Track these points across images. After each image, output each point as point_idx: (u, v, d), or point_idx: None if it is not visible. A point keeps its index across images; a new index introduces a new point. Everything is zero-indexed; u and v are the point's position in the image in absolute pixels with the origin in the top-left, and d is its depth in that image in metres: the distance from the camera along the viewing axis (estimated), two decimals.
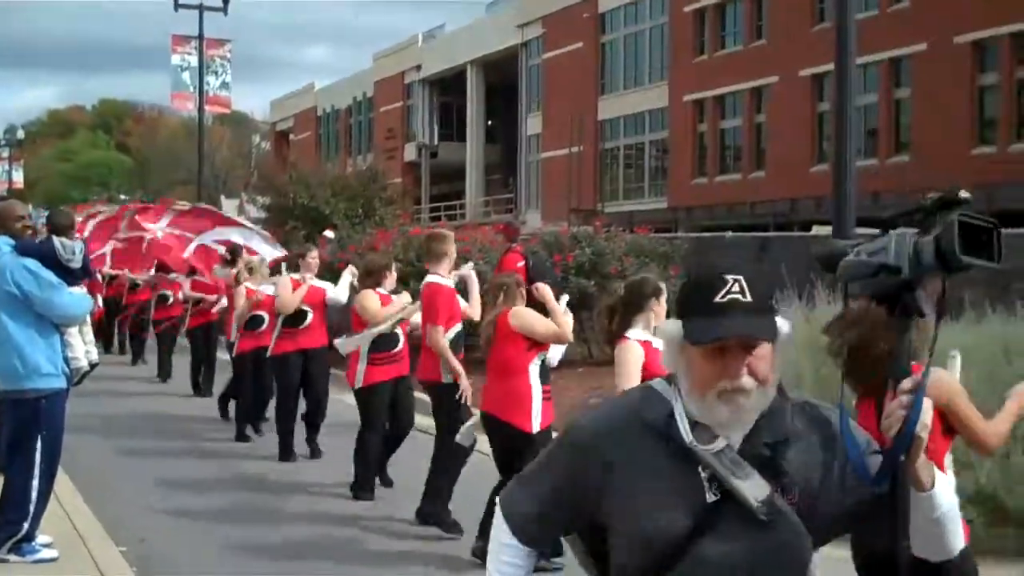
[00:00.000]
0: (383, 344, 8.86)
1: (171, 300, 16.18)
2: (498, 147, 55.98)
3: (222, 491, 9.20)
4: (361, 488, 8.88)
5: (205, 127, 40.59)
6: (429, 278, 8.11)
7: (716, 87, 38.82)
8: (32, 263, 6.52)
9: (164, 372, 16.54)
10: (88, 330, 7.39)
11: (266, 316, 11.41)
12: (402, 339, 9.00)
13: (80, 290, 6.99)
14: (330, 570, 7.02)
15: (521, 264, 13.89)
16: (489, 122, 56.04)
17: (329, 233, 19.60)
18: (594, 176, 44.81)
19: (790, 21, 35.10)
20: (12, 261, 6.51)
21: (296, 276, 10.56)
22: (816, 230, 18.79)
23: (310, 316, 10.46)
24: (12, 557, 6.50)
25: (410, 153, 59.33)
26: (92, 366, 7.40)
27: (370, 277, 9.22)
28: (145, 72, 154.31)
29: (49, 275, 6.53)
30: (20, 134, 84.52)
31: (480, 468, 7.86)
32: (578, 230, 18.27)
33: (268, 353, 10.80)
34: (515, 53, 51.08)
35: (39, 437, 6.53)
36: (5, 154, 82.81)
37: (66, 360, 6.74)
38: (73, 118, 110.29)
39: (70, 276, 6.70)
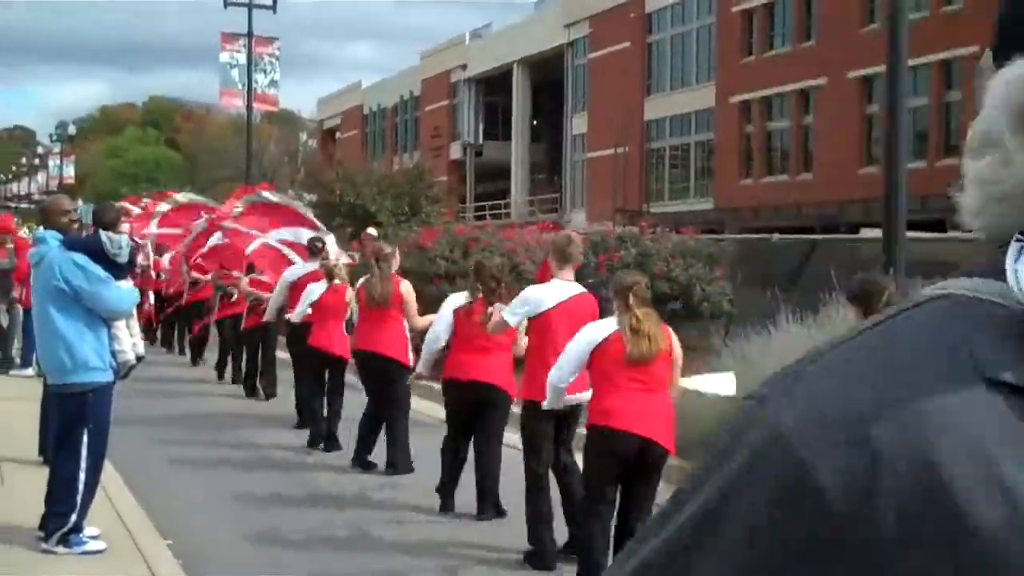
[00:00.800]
0: None
1: (235, 296, 15.12)
2: (543, 146, 55.95)
3: (270, 489, 9.20)
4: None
5: (253, 125, 40.85)
6: (578, 287, 7.25)
7: (764, 88, 38.55)
8: (80, 257, 6.56)
9: (220, 369, 16.36)
10: (135, 323, 7.44)
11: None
12: None
13: (127, 284, 7.04)
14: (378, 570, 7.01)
15: None
16: (535, 121, 56.01)
17: (372, 231, 19.66)
18: (640, 176, 44.65)
19: (839, 22, 34.79)
20: (60, 255, 6.56)
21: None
22: (865, 233, 18.60)
23: None
24: (60, 549, 6.55)
25: (455, 152, 59.43)
26: (139, 359, 7.44)
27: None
28: (194, 70, 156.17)
29: (97, 269, 6.57)
30: (72, 130, 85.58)
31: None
32: (624, 230, 18.18)
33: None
34: (561, 53, 51.00)
35: (85, 430, 6.58)
36: (57, 149, 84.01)
37: (113, 354, 6.79)
38: (123, 115, 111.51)
39: (117, 270, 6.75)
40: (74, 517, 6.58)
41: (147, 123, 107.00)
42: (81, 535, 6.66)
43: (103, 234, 6.74)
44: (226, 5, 34.99)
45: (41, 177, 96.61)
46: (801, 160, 37.58)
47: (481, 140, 58.69)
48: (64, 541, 6.58)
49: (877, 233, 12.48)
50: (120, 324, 6.97)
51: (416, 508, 8.48)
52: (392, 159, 51.30)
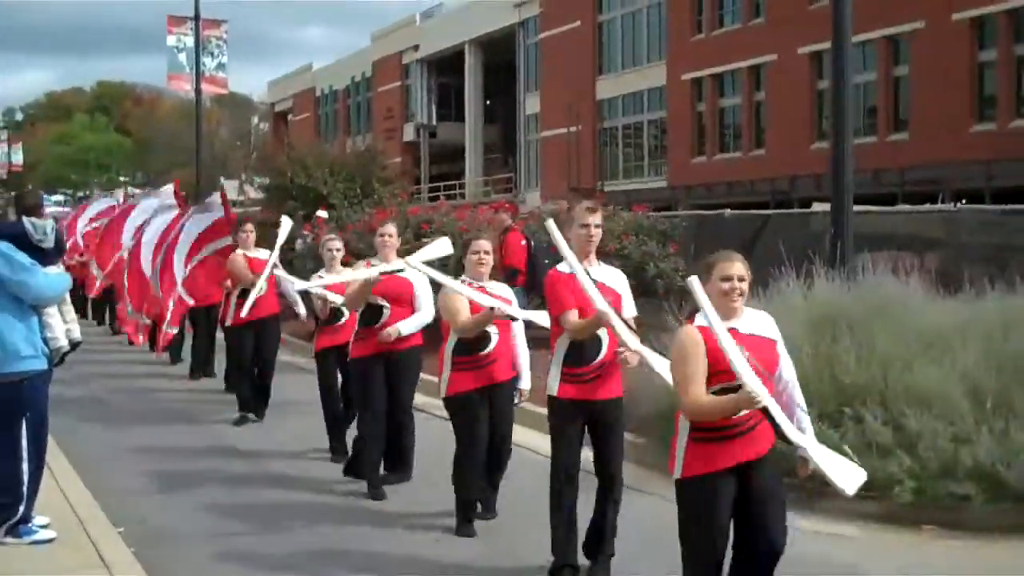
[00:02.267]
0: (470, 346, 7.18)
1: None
2: (497, 126, 55.85)
3: (222, 473, 9.13)
4: (461, 522, 7.33)
5: (203, 108, 40.41)
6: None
7: (714, 66, 38.64)
8: (4, 245, 6.43)
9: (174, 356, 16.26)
10: (68, 309, 7.29)
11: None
12: (495, 339, 7.17)
13: (55, 269, 6.93)
14: (337, 558, 6.95)
15: (524, 243, 13.74)
16: (488, 101, 55.89)
17: (322, 213, 19.51)
18: (593, 155, 44.68)
19: None
20: None
21: (374, 260, 8.44)
22: (816, 207, 18.68)
23: (387, 312, 8.26)
24: (9, 539, 6.53)
25: (409, 133, 59.20)
26: (74, 345, 7.30)
27: None
28: (144, 54, 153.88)
29: (22, 257, 6.44)
30: (19, 116, 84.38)
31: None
32: None
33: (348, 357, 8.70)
34: (512, 32, 50.89)
35: (24, 420, 6.50)
36: (4, 136, 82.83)
37: (45, 341, 6.69)
38: (71, 100, 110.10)
39: (43, 256, 6.63)
40: (21, 508, 6.55)
41: (96, 108, 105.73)
42: (30, 525, 6.64)
43: (26, 220, 6.62)
44: None
45: None
46: (753, 137, 37.73)
47: (434, 121, 58.51)
48: (13, 532, 6.55)
49: (827, 207, 12.52)
50: (52, 311, 6.85)
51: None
52: (345, 141, 50.94)
